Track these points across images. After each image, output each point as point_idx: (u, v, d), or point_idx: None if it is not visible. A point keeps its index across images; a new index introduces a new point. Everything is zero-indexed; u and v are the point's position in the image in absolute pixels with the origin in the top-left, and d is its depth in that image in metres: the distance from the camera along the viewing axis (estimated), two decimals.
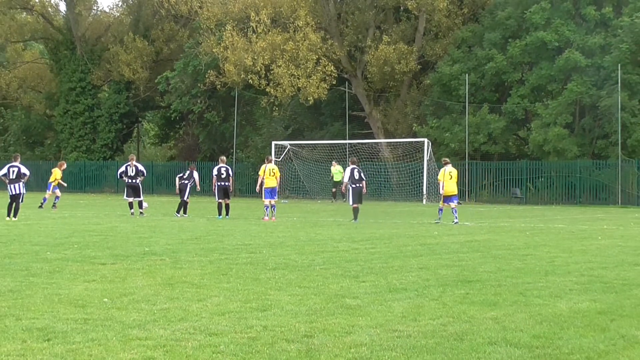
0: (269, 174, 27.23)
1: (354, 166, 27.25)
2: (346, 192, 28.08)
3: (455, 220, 25.24)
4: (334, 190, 45.64)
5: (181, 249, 15.62)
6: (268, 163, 27.96)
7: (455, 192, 26.71)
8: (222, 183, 28.16)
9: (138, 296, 9.68)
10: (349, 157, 50.53)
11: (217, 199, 28.34)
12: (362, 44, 54.39)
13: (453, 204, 26.20)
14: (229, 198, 28.28)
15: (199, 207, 34.13)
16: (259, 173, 27.87)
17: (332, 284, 10.87)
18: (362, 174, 27.07)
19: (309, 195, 50.15)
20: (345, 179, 27.32)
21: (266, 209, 26.93)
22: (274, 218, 26.71)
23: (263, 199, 27.40)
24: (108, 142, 66.06)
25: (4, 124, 76.05)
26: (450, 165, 27.34)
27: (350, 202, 27.03)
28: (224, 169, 28.38)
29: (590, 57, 46.64)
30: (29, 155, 70.35)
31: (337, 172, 45.16)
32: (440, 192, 26.69)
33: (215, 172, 28.36)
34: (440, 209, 26.67)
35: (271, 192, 27.25)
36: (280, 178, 28.73)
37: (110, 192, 60.06)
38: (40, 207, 32.53)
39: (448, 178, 26.41)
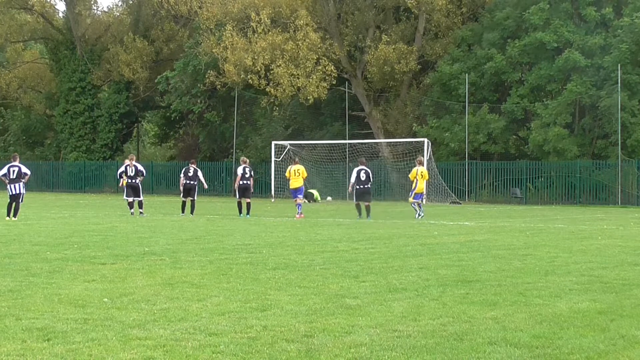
0: (294, 175, 29.03)
1: (362, 167, 27.64)
2: (352, 193, 28.55)
3: (422, 215, 27.75)
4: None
5: (181, 249, 15.62)
6: (294, 165, 29.79)
7: (423, 190, 29.06)
8: (244, 182, 28.87)
9: (138, 296, 9.68)
10: (348, 157, 50.73)
11: (237, 198, 29.28)
12: (362, 44, 54.41)
13: (420, 200, 28.40)
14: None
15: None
16: (286, 175, 29.85)
17: (332, 284, 10.86)
18: (369, 175, 27.54)
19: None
20: (352, 180, 27.70)
21: (298, 207, 28.49)
22: (297, 216, 27.90)
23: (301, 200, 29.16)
24: (108, 142, 66.05)
25: (4, 124, 76.02)
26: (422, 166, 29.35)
27: (355, 200, 28.06)
28: (248, 168, 29.17)
29: (590, 57, 46.65)
30: (29, 155, 70.34)
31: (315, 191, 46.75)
32: (414, 191, 28.50)
33: (239, 171, 29.09)
34: (415, 204, 28.45)
35: (295, 191, 29.18)
36: (305, 177, 30.02)
37: (110, 192, 60.05)
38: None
39: (420, 177, 28.30)
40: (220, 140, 62.84)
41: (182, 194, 29.20)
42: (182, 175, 29.19)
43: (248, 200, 28.61)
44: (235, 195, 29.69)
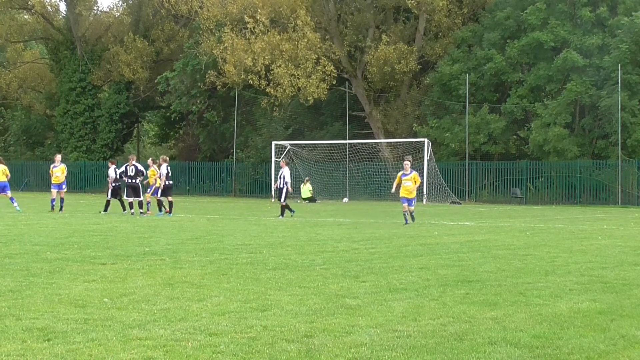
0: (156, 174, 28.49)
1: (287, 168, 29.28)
2: (288, 191, 29.00)
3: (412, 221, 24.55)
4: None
5: (181, 249, 15.62)
6: (154, 164, 29.09)
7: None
8: (131, 180, 28.90)
9: (138, 296, 9.68)
10: (349, 157, 50.75)
11: (126, 197, 29.33)
12: (362, 44, 54.40)
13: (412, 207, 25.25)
14: (139, 196, 28.77)
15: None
16: (151, 174, 28.65)
17: (332, 284, 10.86)
18: None
19: None
20: (289, 179, 28.91)
21: (148, 205, 28.55)
22: (150, 212, 28.22)
23: (151, 196, 28.59)
24: (108, 142, 66.05)
25: (4, 124, 76.00)
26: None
27: (283, 200, 28.46)
28: (132, 167, 29.05)
29: (588, 57, 46.66)
30: (29, 155, 70.28)
31: (307, 190, 46.68)
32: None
33: (122, 169, 29.18)
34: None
35: (161, 190, 28.35)
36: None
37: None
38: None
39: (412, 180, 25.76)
40: (220, 140, 62.83)
41: (126, 194, 29.23)
42: (123, 175, 29.11)
43: (139, 199, 28.81)
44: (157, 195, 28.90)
